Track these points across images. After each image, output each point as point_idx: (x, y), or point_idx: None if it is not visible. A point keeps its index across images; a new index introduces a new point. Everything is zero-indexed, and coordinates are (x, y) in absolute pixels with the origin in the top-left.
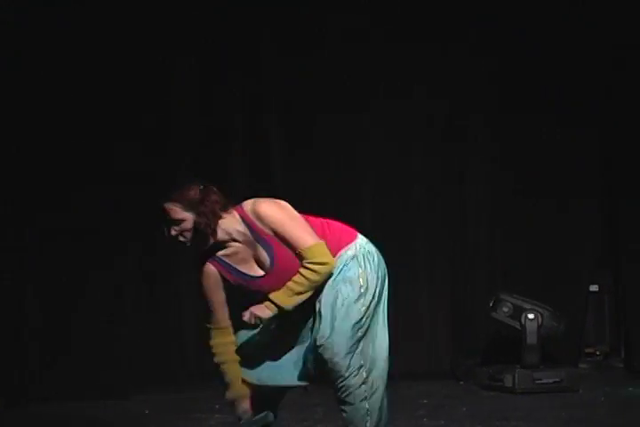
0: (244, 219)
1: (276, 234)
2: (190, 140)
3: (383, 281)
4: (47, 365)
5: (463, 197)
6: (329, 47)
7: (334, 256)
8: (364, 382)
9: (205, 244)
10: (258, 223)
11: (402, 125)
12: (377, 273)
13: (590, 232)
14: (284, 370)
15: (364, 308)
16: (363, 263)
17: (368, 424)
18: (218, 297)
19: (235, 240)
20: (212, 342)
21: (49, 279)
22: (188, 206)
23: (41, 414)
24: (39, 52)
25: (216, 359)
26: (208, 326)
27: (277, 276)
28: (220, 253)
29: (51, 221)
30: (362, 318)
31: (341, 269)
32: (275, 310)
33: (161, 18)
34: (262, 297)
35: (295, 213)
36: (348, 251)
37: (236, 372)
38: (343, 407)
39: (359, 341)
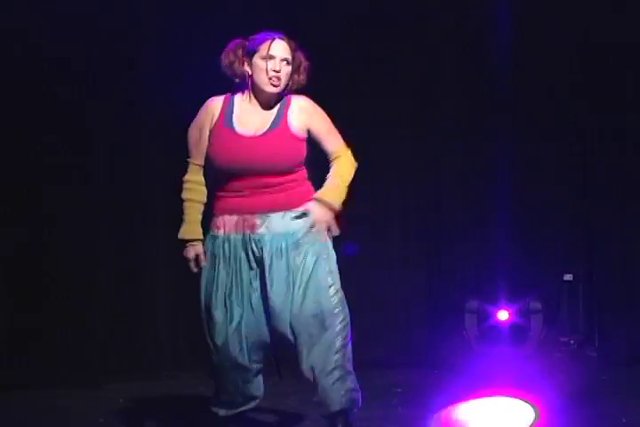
0: (286, 101)
1: (315, 126)
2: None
3: None
4: (16, 352)
5: (438, 187)
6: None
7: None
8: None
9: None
10: (293, 112)
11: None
12: None
13: (565, 222)
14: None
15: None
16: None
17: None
18: (204, 133)
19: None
20: (186, 178)
21: (18, 266)
22: (293, 52)
23: (10, 403)
24: None
25: (184, 195)
26: (187, 160)
27: (260, 145)
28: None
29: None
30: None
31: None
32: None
33: None
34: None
35: None
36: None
37: (196, 214)
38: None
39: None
